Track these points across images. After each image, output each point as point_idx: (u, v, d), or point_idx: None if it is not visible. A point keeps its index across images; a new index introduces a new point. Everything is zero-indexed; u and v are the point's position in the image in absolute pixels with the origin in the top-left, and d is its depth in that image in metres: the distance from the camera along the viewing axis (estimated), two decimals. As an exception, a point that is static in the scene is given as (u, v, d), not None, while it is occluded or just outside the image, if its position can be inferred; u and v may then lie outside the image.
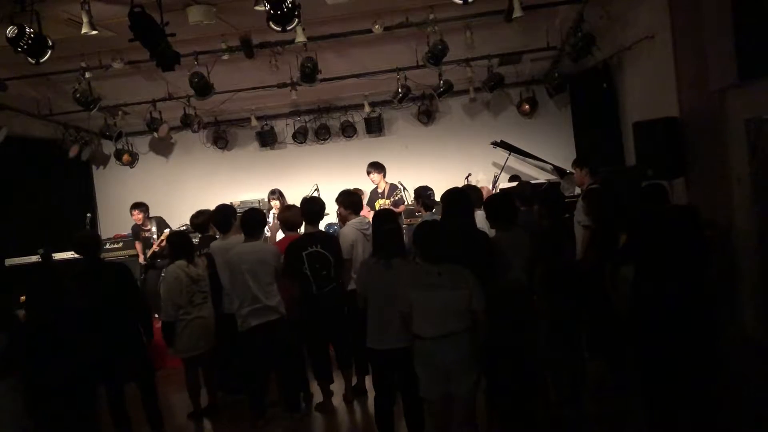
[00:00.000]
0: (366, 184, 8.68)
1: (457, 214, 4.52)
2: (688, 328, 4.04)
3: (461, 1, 5.68)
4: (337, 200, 5.89)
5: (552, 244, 4.69)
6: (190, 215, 6.36)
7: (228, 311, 5.49)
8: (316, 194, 8.16)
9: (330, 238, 5.56)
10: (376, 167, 8.43)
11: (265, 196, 8.65)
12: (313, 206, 5.59)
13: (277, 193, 8.20)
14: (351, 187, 8.36)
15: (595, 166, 6.27)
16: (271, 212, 8.00)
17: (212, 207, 6.14)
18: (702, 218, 4.55)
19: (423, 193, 5.95)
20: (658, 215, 4.36)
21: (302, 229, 5.80)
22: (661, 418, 4.15)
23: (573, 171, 6.56)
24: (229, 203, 6.39)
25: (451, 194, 4.65)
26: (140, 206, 8.45)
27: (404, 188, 9.11)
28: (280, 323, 5.17)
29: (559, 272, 4.58)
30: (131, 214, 8.48)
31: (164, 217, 8.75)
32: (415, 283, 3.81)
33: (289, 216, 5.82)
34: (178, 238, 5.77)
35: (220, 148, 10.64)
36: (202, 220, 6.20)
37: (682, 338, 4.04)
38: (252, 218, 5.35)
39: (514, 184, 7.94)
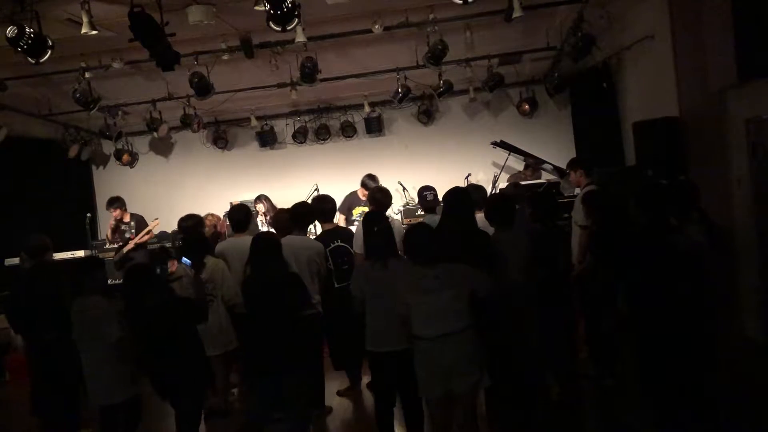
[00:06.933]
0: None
1: (458, 214, 4.52)
2: (683, 338, 3.98)
3: (461, 1, 5.68)
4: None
5: (545, 248, 4.70)
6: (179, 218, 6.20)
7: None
8: (315, 194, 8.15)
9: (350, 233, 5.65)
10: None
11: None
12: (326, 204, 5.73)
13: (262, 198, 8.26)
14: (350, 187, 8.42)
15: (589, 166, 6.27)
16: (258, 217, 8.12)
17: (212, 207, 6.14)
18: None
19: (419, 195, 5.85)
20: (656, 253, 3.99)
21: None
22: (661, 419, 4.13)
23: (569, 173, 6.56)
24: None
25: (452, 193, 4.65)
26: (116, 201, 8.40)
27: (404, 188, 9.13)
28: (316, 319, 5.12)
29: (552, 276, 4.59)
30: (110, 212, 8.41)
31: (164, 217, 8.72)
32: (411, 287, 3.81)
33: (283, 219, 5.72)
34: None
35: (220, 148, 10.63)
36: (191, 223, 6.04)
37: (677, 346, 3.99)
38: (300, 212, 5.43)
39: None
